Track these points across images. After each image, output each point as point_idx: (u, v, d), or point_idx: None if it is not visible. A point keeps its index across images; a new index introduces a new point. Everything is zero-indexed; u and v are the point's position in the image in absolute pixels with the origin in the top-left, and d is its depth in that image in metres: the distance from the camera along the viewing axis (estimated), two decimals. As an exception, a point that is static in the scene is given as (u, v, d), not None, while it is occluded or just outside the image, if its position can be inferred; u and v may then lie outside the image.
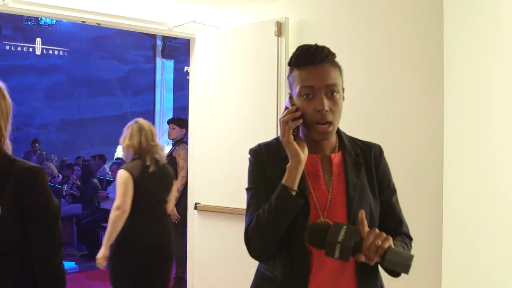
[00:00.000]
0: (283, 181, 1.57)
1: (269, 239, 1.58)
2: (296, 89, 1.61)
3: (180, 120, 5.86)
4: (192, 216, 4.43)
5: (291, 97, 1.65)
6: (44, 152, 14.01)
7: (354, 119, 3.32)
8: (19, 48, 16.78)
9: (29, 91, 16.43)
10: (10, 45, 16.58)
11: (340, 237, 1.44)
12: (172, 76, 19.68)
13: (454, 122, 2.74)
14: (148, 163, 3.64)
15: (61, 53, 17.87)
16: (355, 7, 3.40)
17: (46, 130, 17.09)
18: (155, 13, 4.29)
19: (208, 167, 4.29)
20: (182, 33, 4.55)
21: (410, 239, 1.78)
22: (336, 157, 1.69)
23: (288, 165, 1.57)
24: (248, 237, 1.62)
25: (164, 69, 19.54)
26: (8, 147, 1.76)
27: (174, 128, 5.85)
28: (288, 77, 1.70)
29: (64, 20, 9.28)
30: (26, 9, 3.85)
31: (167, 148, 15.77)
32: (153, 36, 18.28)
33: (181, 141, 5.80)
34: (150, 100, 19.57)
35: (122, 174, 3.58)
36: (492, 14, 2.61)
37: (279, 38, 3.78)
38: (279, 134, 1.71)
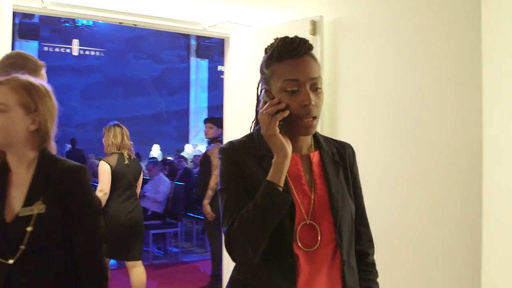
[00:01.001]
0: (268, 178, 1.44)
1: (256, 241, 1.44)
2: (277, 83, 1.50)
3: (218, 120, 5.86)
4: (228, 214, 4.45)
5: (267, 91, 1.55)
6: (82, 151, 14.30)
7: (390, 117, 3.30)
8: (56, 49, 17.19)
9: (66, 92, 16.78)
10: (48, 47, 16.98)
11: None
12: (206, 75, 19.89)
13: (493, 119, 2.69)
14: (124, 157, 4.73)
15: (97, 53, 18.24)
16: (390, 5, 3.36)
17: (83, 129, 17.45)
18: (190, 14, 4.33)
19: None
20: (217, 32, 4.59)
21: (372, 242, 1.74)
22: (315, 156, 1.61)
23: (274, 160, 1.45)
24: (231, 240, 1.46)
25: (198, 68, 19.76)
26: (53, 147, 1.82)
27: (211, 127, 5.84)
28: (262, 71, 1.60)
29: (100, 22, 9.44)
30: (65, 11, 3.93)
31: (203, 147, 15.74)
32: (187, 36, 18.50)
33: (216, 140, 5.81)
34: (184, 99, 19.82)
35: (103, 165, 4.63)
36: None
37: (314, 37, 3.76)
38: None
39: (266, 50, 1.58)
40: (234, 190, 1.52)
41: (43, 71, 2.50)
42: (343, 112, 3.70)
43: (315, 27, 3.76)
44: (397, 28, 3.30)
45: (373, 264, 1.72)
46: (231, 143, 1.61)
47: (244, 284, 1.56)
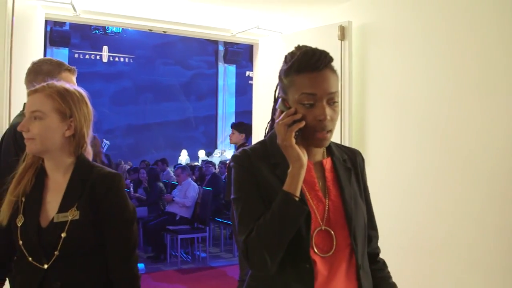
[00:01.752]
0: (284, 188, 1.46)
1: (274, 250, 1.45)
2: (295, 95, 1.50)
3: (240, 125, 5.88)
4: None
5: (284, 100, 1.54)
6: (109, 156, 14.45)
7: (419, 120, 3.28)
8: (87, 56, 17.43)
9: (96, 97, 16.87)
10: (79, 53, 17.24)
11: None
12: (234, 80, 19.96)
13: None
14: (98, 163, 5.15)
15: (126, 60, 18.44)
16: (418, 10, 3.35)
17: (113, 135, 17.62)
18: (219, 20, 4.36)
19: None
20: (246, 38, 4.61)
21: (377, 243, 1.76)
22: (327, 163, 1.63)
23: (289, 171, 1.47)
24: (249, 249, 1.47)
25: (226, 74, 19.85)
26: (89, 153, 1.85)
27: (233, 133, 5.86)
28: (280, 79, 1.59)
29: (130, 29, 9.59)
30: (97, 19, 4.00)
31: (230, 153, 15.81)
32: (215, 42, 18.61)
33: (243, 146, 5.82)
34: (212, 104, 19.92)
35: None
36: None
37: (343, 42, 3.77)
38: (262, 138, 1.62)
39: (286, 58, 1.58)
40: (248, 199, 1.53)
41: (66, 73, 2.51)
42: (371, 116, 3.69)
43: (343, 32, 3.76)
44: (425, 33, 3.28)
45: (384, 263, 1.75)
46: (244, 150, 1.60)
47: None
